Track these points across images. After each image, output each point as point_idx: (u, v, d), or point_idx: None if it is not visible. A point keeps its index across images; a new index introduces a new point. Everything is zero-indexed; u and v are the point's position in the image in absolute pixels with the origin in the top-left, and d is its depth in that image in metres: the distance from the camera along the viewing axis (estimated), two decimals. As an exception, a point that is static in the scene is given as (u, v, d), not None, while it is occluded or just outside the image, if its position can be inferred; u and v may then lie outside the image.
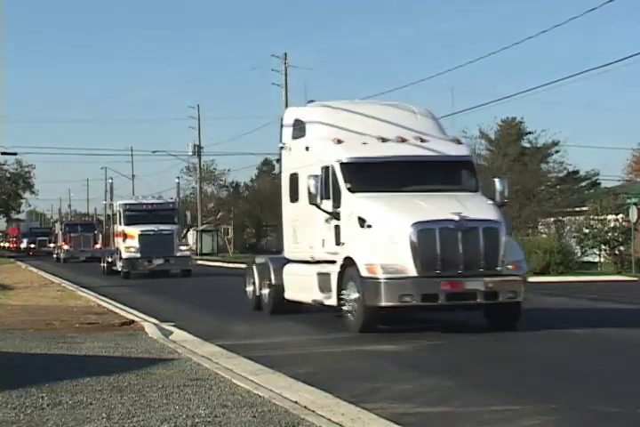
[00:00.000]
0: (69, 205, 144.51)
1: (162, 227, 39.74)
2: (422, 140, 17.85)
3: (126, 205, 41.86)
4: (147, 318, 19.11)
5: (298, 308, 19.37)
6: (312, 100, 20.09)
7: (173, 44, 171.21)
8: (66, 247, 66.95)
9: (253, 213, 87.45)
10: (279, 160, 20.53)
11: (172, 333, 16.34)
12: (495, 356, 13.58)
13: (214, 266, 55.48)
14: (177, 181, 78.80)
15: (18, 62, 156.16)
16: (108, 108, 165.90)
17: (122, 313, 20.09)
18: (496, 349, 14.42)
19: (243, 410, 8.81)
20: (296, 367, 12.10)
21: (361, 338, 15.37)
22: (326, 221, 17.35)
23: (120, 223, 40.86)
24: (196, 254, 74.39)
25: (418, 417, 8.99)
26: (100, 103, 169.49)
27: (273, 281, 19.82)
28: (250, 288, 21.54)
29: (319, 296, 17.56)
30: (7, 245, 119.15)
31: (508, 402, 9.71)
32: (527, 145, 58.21)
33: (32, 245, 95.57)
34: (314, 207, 17.44)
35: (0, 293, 27.59)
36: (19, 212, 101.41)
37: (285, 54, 61.33)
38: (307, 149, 18.50)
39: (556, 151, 57.14)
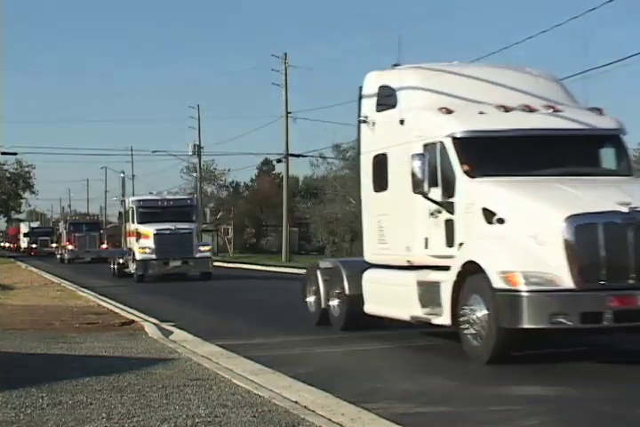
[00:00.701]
0: (69, 205, 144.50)
1: (179, 225, 36.28)
2: (555, 110, 14.17)
3: (140, 201, 38.35)
4: (147, 318, 19.11)
5: (379, 323, 15.94)
6: (397, 64, 15.90)
7: (173, 44, 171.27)
8: (70, 247, 64.30)
9: (253, 213, 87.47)
10: (358, 138, 16.49)
11: (172, 333, 16.34)
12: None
13: (214, 266, 55.40)
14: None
15: (18, 62, 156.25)
16: (108, 108, 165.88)
17: (122, 313, 20.09)
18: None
19: (243, 410, 8.81)
20: (296, 367, 12.10)
21: (361, 338, 15.36)
22: (432, 214, 13.65)
23: (133, 221, 37.39)
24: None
25: (418, 417, 8.99)
26: (100, 103, 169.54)
27: (347, 291, 16.14)
28: (311, 298, 17.76)
29: (421, 312, 13.83)
30: (7, 245, 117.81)
31: (508, 402, 9.71)
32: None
33: (33, 245, 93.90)
34: (412, 198, 13.94)
35: (0, 293, 27.59)
36: (19, 212, 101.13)
37: (285, 54, 61.41)
38: (401, 122, 14.59)
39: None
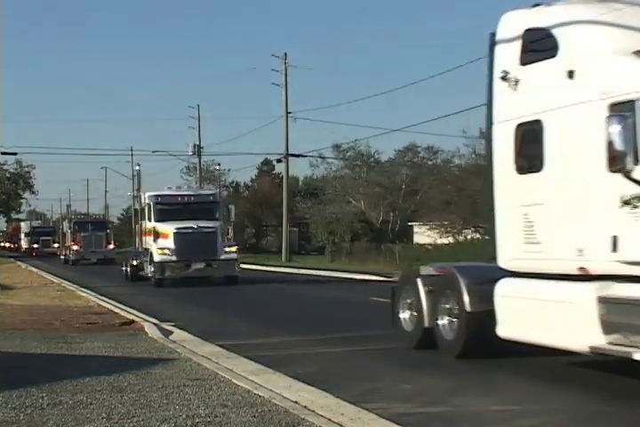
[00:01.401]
0: (69, 205, 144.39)
1: (202, 224, 32.66)
2: None
3: (157, 196, 34.30)
4: (147, 318, 19.11)
5: (511, 349, 12.57)
6: (537, 4, 12.04)
7: (173, 44, 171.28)
8: (75, 248, 60.59)
9: (253, 213, 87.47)
10: (489, 104, 12.77)
11: (172, 333, 16.34)
12: (495, 356, 13.56)
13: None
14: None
15: (18, 62, 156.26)
16: (108, 108, 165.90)
17: (122, 313, 20.09)
18: (496, 349, 14.40)
19: (243, 410, 8.81)
20: (296, 367, 12.10)
21: (361, 338, 15.35)
22: (627, 202, 10.05)
23: (150, 219, 33.61)
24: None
25: (418, 417, 8.99)
26: (100, 103, 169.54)
27: (467, 306, 12.53)
28: (405, 314, 14.32)
29: (606, 341, 10.24)
30: (7, 244, 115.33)
31: (508, 402, 9.72)
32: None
33: (35, 245, 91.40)
34: (589, 180, 10.62)
35: (0, 293, 27.59)
36: (19, 212, 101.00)
37: (285, 54, 61.45)
38: (570, 75, 10.90)
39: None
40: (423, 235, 62.30)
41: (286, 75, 61.04)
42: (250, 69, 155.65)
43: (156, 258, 32.15)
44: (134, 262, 35.39)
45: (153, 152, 79.44)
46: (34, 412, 8.70)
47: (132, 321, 18.03)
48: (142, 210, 35.40)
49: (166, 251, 31.96)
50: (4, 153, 59.68)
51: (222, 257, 32.63)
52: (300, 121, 62.21)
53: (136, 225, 35.86)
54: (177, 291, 30.42)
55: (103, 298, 25.27)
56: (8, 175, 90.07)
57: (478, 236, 50.24)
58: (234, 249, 33.64)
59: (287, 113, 60.75)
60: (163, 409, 8.86)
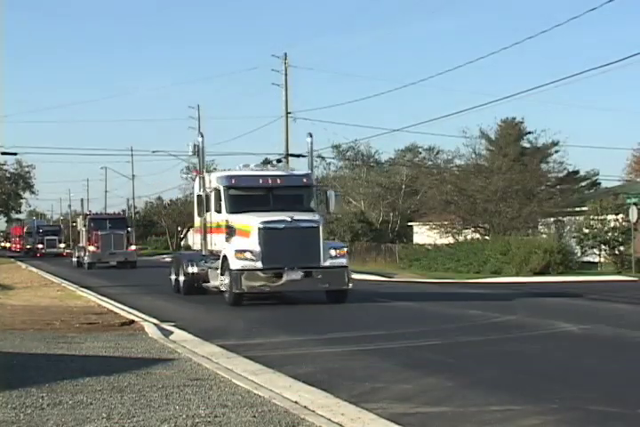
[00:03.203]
0: (69, 205, 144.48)
1: (299, 216, 23.29)
2: None
3: (231, 178, 24.82)
4: (147, 318, 19.11)
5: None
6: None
7: (173, 44, 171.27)
8: (91, 249, 51.49)
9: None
10: None
11: (172, 333, 16.35)
12: (495, 356, 13.57)
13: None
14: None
15: (18, 62, 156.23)
16: (108, 108, 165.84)
17: (122, 313, 20.09)
18: (496, 348, 14.41)
19: (243, 410, 8.81)
20: (296, 367, 12.10)
21: (361, 338, 15.37)
22: None
23: (220, 210, 24.48)
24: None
25: (418, 417, 9.00)
26: (100, 103, 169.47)
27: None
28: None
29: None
30: (9, 245, 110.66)
31: (508, 402, 9.72)
32: (527, 145, 58.24)
33: (39, 246, 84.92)
34: None
35: (0, 293, 27.59)
36: (19, 212, 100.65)
37: (285, 54, 61.32)
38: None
39: (556, 151, 57.19)
40: (423, 235, 62.28)
41: (286, 75, 60.98)
42: (250, 69, 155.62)
43: (234, 264, 22.66)
44: (191, 270, 26.40)
45: (153, 152, 79.26)
46: (34, 412, 8.71)
47: (132, 321, 18.03)
48: (206, 197, 25.24)
49: (247, 255, 22.72)
50: (4, 153, 59.59)
51: (327, 263, 22.98)
52: (299, 121, 62.19)
53: (202, 218, 25.43)
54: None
55: (103, 298, 25.27)
56: (8, 175, 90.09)
57: (478, 236, 50.24)
58: (343, 252, 23.62)
59: (287, 113, 60.72)
60: (163, 409, 8.87)
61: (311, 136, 26.17)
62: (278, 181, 24.62)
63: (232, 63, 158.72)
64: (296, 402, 9.34)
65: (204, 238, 25.52)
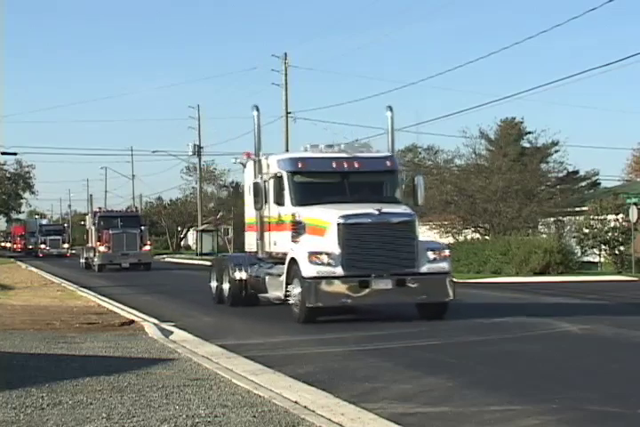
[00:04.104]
0: (69, 205, 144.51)
1: (387, 208, 18.47)
2: None
3: (298, 162, 19.87)
4: (147, 318, 19.11)
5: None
6: None
7: (173, 44, 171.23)
8: (102, 249, 47.19)
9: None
10: None
11: (172, 333, 16.36)
12: (495, 356, 13.57)
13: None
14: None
15: (18, 62, 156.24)
16: (108, 108, 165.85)
17: (122, 313, 20.09)
18: (496, 349, 14.41)
19: (243, 410, 8.81)
20: (296, 367, 12.10)
21: (361, 338, 15.37)
22: None
23: (281, 202, 19.62)
24: (196, 255, 74.59)
25: (418, 417, 9.00)
26: (100, 103, 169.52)
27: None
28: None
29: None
30: (11, 245, 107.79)
31: (508, 402, 9.72)
32: (527, 145, 58.23)
33: (42, 246, 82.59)
34: None
35: (0, 293, 27.59)
36: (19, 212, 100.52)
37: (285, 54, 61.34)
38: None
39: (556, 151, 57.20)
40: (423, 235, 62.15)
41: (286, 75, 61.00)
42: (250, 69, 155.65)
43: (307, 270, 17.79)
44: (239, 275, 22.06)
45: (153, 152, 79.63)
46: (34, 412, 8.71)
47: (132, 321, 18.04)
48: (265, 185, 20.25)
49: (324, 258, 17.85)
50: (4, 153, 59.68)
51: (424, 268, 18.27)
52: (299, 121, 62.18)
53: (258, 212, 20.72)
54: (177, 291, 30.30)
55: (103, 298, 25.26)
56: (8, 175, 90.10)
57: (478, 236, 50.23)
58: (444, 254, 18.70)
59: (287, 113, 60.74)
60: (163, 409, 8.87)
61: (391, 110, 21.52)
62: (356, 164, 19.70)
63: (232, 63, 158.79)
64: (296, 402, 9.34)
65: (261, 237, 20.72)
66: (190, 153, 78.37)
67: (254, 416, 8.52)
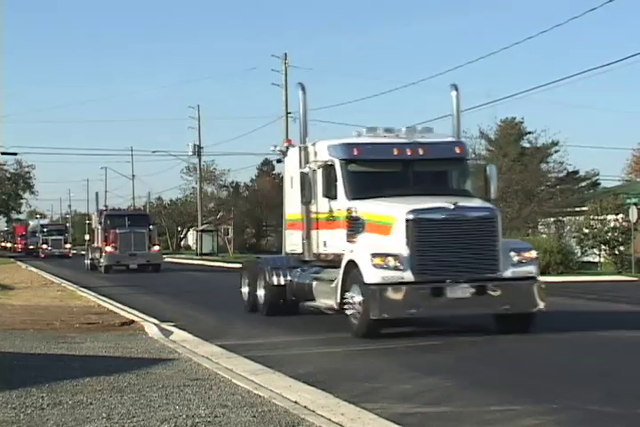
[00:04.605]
0: (69, 205, 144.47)
1: (464, 202, 15.99)
2: None
3: (352, 148, 17.12)
4: (147, 318, 19.11)
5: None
6: None
7: (173, 44, 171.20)
8: (109, 249, 44.99)
9: (253, 213, 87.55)
10: None
11: (172, 333, 16.35)
12: (495, 356, 13.58)
13: (216, 266, 55.47)
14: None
15: (18, 62, 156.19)
16: (108, 108, 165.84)
17: (122, 313, 20.09)
18: (496, 349, 14.41)
19: (243, 410, 8.81)
20: (296, 367, 12.10)
21: (361, 338, 15.35)
22: None
23: (334, 194, 16.94)
24: (196, 255, 74.61)
25: (418, 417, 9.00)
26: (100, 103, 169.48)
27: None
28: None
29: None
30: (11, 245, 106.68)
31: (508, 402, 9.71)
32: (527, 145, 58.29)
33: (44, 246, 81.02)
34: None
35: (0, 293, 27.59)
36: (19, 212, 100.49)
37: (285, 54, 61.38)
38: None
39: (556, 151, 57.24)
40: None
41: (286, 75, 61.02)
42: (250, 69, 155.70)
43: (370, 276, 15.18)
44: (277, 280, 19.24)
45: (153, 152, 79.67)
46: (34, 412, 8.70)
47: (132, 321, 18.04)
48: (310, 177, 17.37)
49: (390, 261, 15.21)
50: (4, 153, 59.68)
51: (509, 273, 15.73)
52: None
53: (305, 207, 17.88)
54: (177, 291, 30.26)
55: (103, 298, 25.25)
56: (8, 175, 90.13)
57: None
58: (530, 255, 16.13)
59: (287, 113, 60.74)
60: (163, 409, 8.86)
61: (457, 89, 18.59)
62: (420, 151, 17.01)
63: (232, 63, 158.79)
64: (296, 402, 9.34)
65: (308, 237, 17.83)
66: (190, 153, 78.43)
67: (254, 416, 8.52)
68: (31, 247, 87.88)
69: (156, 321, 18.29)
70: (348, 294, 15.60)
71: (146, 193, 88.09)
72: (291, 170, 19.24)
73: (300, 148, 18.32)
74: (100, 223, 47.69)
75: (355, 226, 16.40)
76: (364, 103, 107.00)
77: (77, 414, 8.60)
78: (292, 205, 18.97)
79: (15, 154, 68.28)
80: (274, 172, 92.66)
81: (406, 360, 13.06)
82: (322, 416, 8.64)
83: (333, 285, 16.18)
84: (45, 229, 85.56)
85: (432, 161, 17.19)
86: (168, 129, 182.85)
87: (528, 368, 12.28)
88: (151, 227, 47.30)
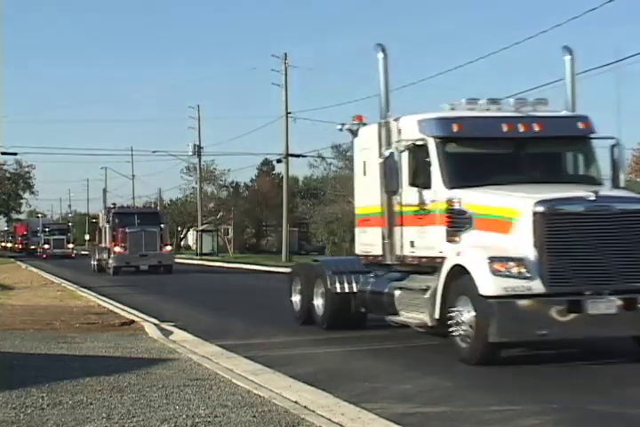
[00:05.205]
0: (69, 205, 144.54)
1: (606, 192, 13.07)
2: None
3: (450, 123, 13.82)
4: (147, 318, 19.10)
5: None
6: None
7: (173, 44, 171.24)
8: (118, 250, 42.27)
9: (253, 213, 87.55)
10: None
11: (172, 333, 16.35)
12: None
13: (215, 266, 55.47)
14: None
15: (18, 62, 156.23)
16: (108, 108, 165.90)
17: (122, 313, 20.09)
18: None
19: (243, 410, 8.81)
20: (296, 367, 12.10)
21: (361, 338, 15.35)
22: None
23: (422, 182, 13.87)
24: (196, 255, 74.63)
25: (418, 417, 9.00)
26: (100, 103, 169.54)
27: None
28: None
29: None
30: (12, 245, 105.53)
31: (508, 402, 9.71)
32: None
33: (46, 246, 78.92)
34: None
35: (0, 293, 27.59)
36: (19, 212, 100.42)
37: (285, 54, 61.42)
38: None
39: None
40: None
41: (286, 75, 61.06)
42: (250, 69, 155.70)
43: (488, 286, 12.02)
44: (340, 287, 16.09)
45: (153, 152, 79.60)
46: (34, 412, 8.70)
47: (132, 321, 18.03)
48: (394, 158, 14.02)
49: (512, 267, 12.03)
50: (4, 153, 59.78)
51: None
52: (299, 121, 62.20)
53: (387, 198, 14.74)
54: (177, 291, 30.26)
55: (103, 298, 25.24)
56: (8, 175, 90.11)
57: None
58: None
59: (287, 113, 60.77)
60: (163, 409, 8.86)
61: (570, 52, 15.26)
62: (536, 127, 13.81)
63: (232, 63, 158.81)
64: (296, 402, 9.34)
65: (390, 235, 14.55)
66: (190, 153, 78.46)
67: (254, 416, 8.52)
68: (32, 247, 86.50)
69: (156, 321, 18.29)
70: (453, 309, 12.38)
71: (146, 193, 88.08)
72: (363, 153, 15.90)
73: (379, 124, 14.92)
74: (108, 222, 44.94)
75: (458, 222, 13.07)
76: (365, 103, 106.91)
77: (77, 414, 8.60)
78: (366, 197, 15.77)
79: (15, 154, 68.32)
80: (274, 172, 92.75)
81: (406, 360, 13.06)
82: (322, 416, 8.64)
83: (427, 295, 13.10)
84: (47, 229, 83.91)
85: (550, 140, 13.95)
86: (168, 129, 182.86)
87: (528, 368, 12.27)
88: (162, 225, 44.54)
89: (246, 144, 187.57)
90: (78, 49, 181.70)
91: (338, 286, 16.09)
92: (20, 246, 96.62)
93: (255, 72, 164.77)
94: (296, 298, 17.79)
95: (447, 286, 12.63)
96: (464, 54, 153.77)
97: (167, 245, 44.58)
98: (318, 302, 16.78)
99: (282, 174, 70.62)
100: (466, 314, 12.18)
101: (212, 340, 15.19)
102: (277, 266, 50.07)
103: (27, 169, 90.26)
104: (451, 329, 12.54)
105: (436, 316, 12.84)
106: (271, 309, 22.33)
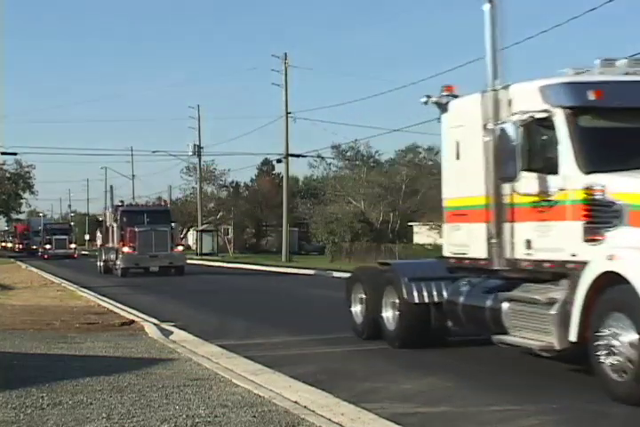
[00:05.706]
0: (69, 205, 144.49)
1: None
2: None
3: (585, 89, 10.64)
4: (147, 318, 19.10)
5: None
6: None
7: (173, 44, 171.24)
8: (126, 250, 40.23)
9: (253, 213, 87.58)
10: None
11: (172, 333, 16.35)
12: (495, 356, 13.56)
13: (215, 266, 55.48)
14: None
15: (18, 62, 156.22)
16: (107, 108, 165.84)
17: (122, 313, 20.09)
18: (496, 348, 14.40)
19: (243, 410, 8.80)
20: (296, 367, 12.10)
21: (361, 338, 15.34)
22: None
23: (549, 166, 10.89)
24: (196, 255, 74.64)
25: (418, 417, 8.99)
26: (100, 103, 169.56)
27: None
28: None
29: None
30: (12, 245, 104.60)
31: (508, 402, 9.71)
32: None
33: (47, 246, 77.24)
34: None
35: (0, 293, 27.59)
36: (19, 212, 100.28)
37: (285, 54, 61.47)
38: None
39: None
40: (423, 235, 62.36)
41: (286, 75, 61.10)
42: (250, 69, 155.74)
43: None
44: (421, 297, 13.58)
45: (153, 152, 79.64)
46: (34, 412, 8.70)
47: (132, 321, 18.03)
48: (508, 134, 11.13)
49: None
50: (3, 153, 59.80)
51: None
52: (299, 121, 62.22)
53: (496, 186, 11.80)
54: (177, 291, 30.27)
55: (103, 298, 25.25)
56: (8, 175, 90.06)
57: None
58: None
59: (287, 113, 60.78)
60: (163, 409, 8.86)
61: None
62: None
63: (232, 63, 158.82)
64: (296, 402, 9.34)
65: (498, 233, 11.78)
66: (190, 153, 78.49)
67: (254, 416, 8.52)
68: (33, 247, 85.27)
69: (156, 321, 18.29)
70: (602, 331, 9.67)
71: (146, 193, 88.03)
72: (457, 132, 13.05)
73: (481, 93, 12.15)
74: (116, 221, 42.44)
75: (602, 216, 10.25)
76: (364, 103, 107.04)
77: (77, 414, 8.60)
78: (460, 186, 13.01)
79: (15, 154, 68.37)
80: (274, 172, 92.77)
81: (406, 360, 13.05)
82: (322, 416, 8.64)
83: (554, 311, 10.47)
84: (49, 229, 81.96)
85: None
86: (168, 129, 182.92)
87: (528, 368, 12.27)
88: (173, 224, 42.27)
89: (246, 144, 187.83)
90: (78, 48, 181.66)
91: (416, 295, 13.48)
92: (21, 246, 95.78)
93: (255, 72, 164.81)
94: (357, 309, 15.33)
95: (590, 300, 9.84)
96: (463, 54, 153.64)
97: (179, 245, 42.73)
98: (388, 315, 14.30)
99: (282, 174, 70.66)
100: (623, 337, 9.39)
101: (212, 340, 15.19)
102: (277, 266, 50.15)
103: (27, 169, 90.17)
104: (597, 355, 9.78)
105: (572, 338, 10.10)
106: (271, 309, 22.38)
